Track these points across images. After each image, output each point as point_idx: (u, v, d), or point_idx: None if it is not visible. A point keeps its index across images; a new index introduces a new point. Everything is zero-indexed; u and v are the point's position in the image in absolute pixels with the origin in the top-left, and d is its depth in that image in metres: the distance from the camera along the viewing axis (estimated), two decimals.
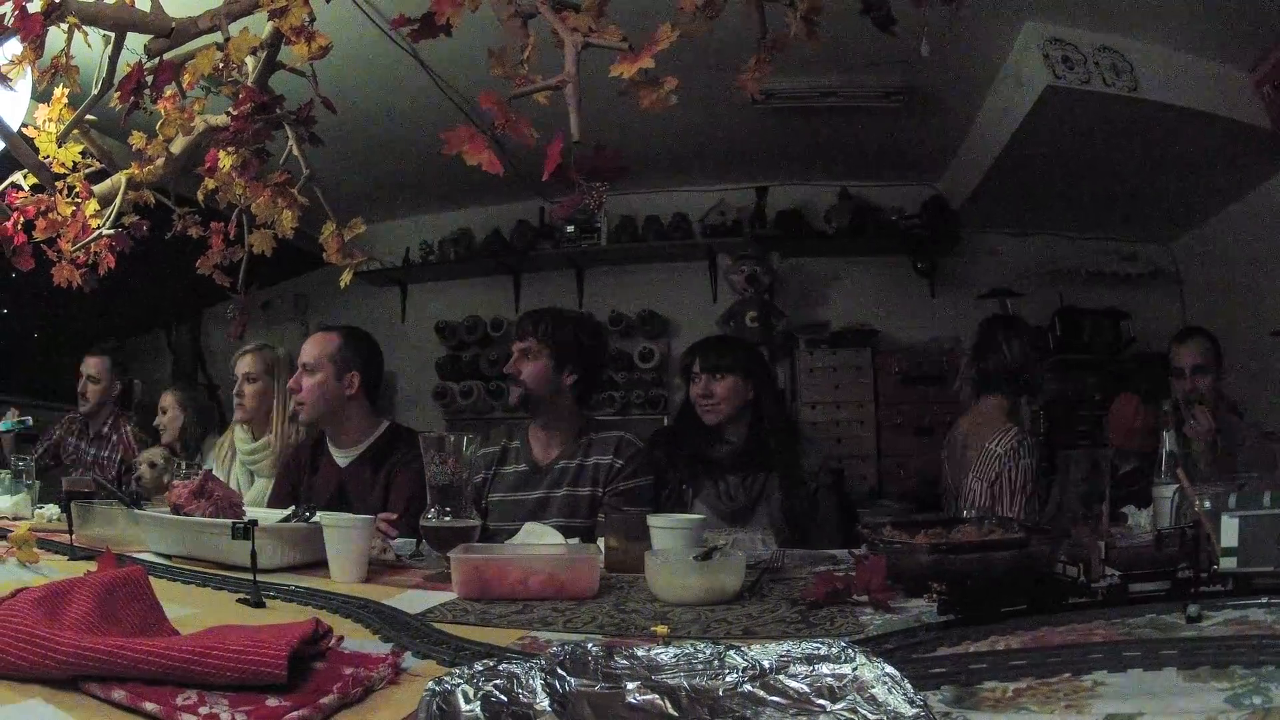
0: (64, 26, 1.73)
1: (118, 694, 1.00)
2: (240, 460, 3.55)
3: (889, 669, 0.90)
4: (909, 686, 0.87)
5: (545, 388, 2.94)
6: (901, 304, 6.28)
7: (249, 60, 1.76)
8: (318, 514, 2.15)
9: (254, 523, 1.72)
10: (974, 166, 5.34)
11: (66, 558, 2.11)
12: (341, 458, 3.07)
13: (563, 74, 1.15)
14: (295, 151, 1.79)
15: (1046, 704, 0.98)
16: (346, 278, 1.87)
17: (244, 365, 3.58)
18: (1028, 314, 5.64)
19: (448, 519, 1.95)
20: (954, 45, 4.06)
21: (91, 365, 4.80)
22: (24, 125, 2.16)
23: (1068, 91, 4.10)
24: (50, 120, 2.14)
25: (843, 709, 0.87)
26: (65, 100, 2.12)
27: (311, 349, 3.05)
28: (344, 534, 1.93)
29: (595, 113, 1.16)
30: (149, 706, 0.97)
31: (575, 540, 2.26)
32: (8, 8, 1.67)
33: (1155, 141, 4.57)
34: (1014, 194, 5.47)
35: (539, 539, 2.25)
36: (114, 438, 4.72)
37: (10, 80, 1.86)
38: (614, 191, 1.17)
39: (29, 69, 1.86)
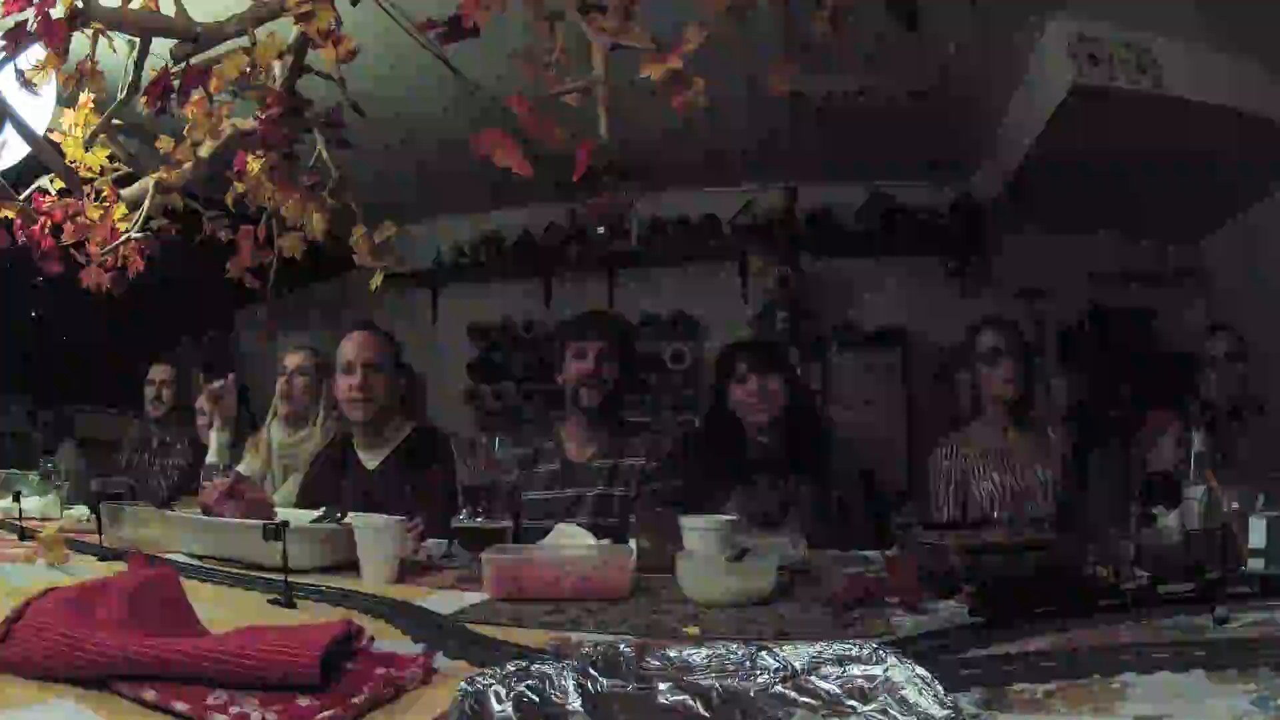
0: (88, 32, 1.74)
1: (148, 693, 1.00)
2: (276, 454, 3.56)
3: (920, 670, 0.90)
4: (940, 688, 0.87)
5: (618, 390, 2.98)
6: (931, 304, 6.22)
7: (276, 64, 1.77)
8: (349, 515, 2.15)
9: (285, 524, 1.73)
10: (1002, 165, 5.31)
11: (96, 558, 2.12)
12: (370, 459, 3.07)
13: (591, 75, 1.15)
14: (324, 155, 1.79)
15: (1076, 706, 0.98)
16: (377, 280, 1.86)
17: (291, 360, 3.61)
18: (1057, 314, 5.64)
19: (480, 519, 1.95)
20: (980, 43, 4.04)
21: (161, 372, 4.84)
22: (49, 130, 2.17)
23: (1093, 89, 4.07)
24: (76, 125, 2.15)
25: (874, 710, 0.87)
26: (91, 105, 2.13)
27: (371, 348, 3.05)
28: (376, 535, 1.94)
29: (624, 114, 1.16)
30: (179, 706, 0.97)
31: (606, 541, 2.26)
32: (30, 13, 1.68)
33: (1180, 138, 4.53)
34: (1042, 193, 5.43)
35: (571, 540, 2.26)
36: (178, 446, 4.74)
37: (35, 86, 1.86)
38: (644, 193, 1.17)
39: (53, 74, 1.87)
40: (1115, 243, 5.98)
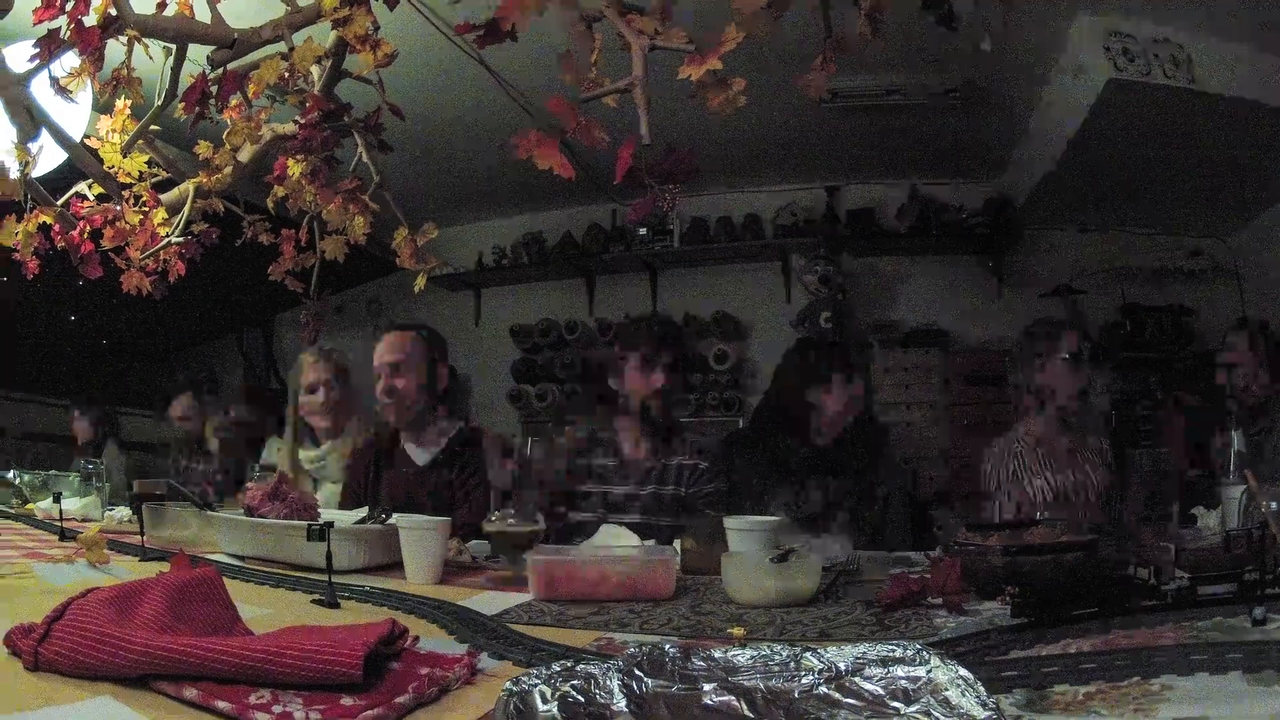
0: (123, 39, 1.75)
1: (189, 692, 1.00)
2: (305, 466, 3.57)
3: (963, 671, 0.89)
4: (982, 689, 0.87)
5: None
6: (970, 303, 6.20)
7: (314, 69, 1.78)
8: (394, 516, 2.16)
9: (330, 524, 1.73)
10: (1037, 162, 5.28)
11: (137, 559, 2.14)
12: (420, 456, 3.08)
13: (631, 77, 1.15)
14: (365, 158, 1.80)
15: (1115, 707, 0.97)
16: (420, 282, 1.87)
17: (309, 374, 3.58)
18: (1091, 312, 5.59)
19: (512, 522, 1.95)
20: (1013, 40, 4.02)
21: (178, 408, 4.92)
22: (86, 136, 2.19)
23: (1129, 84, 4.04)
24: (114, 131, 2.17)
25: (916, 711, 0.86)
26: (128, 111, 2.15)
27: (397, 349, 3.05)
28: (420, 535, 1.94)
29: (664, 115, 1.16)
30: (221, 705, 0.97)
31: (651, 541, 2.26)
32: (63, 21, 1.69)
33: (1213, 134, 4.49)
34: (1077, 190, 5.40)
35: (615, 541, 2.26)
36: None
37: (70, 93, 1.88)
38: (685, 193, 1.17)
39: (89, 81, 1.89)
40: (1149, 239, 5.93)
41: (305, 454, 3.57)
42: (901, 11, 1.47)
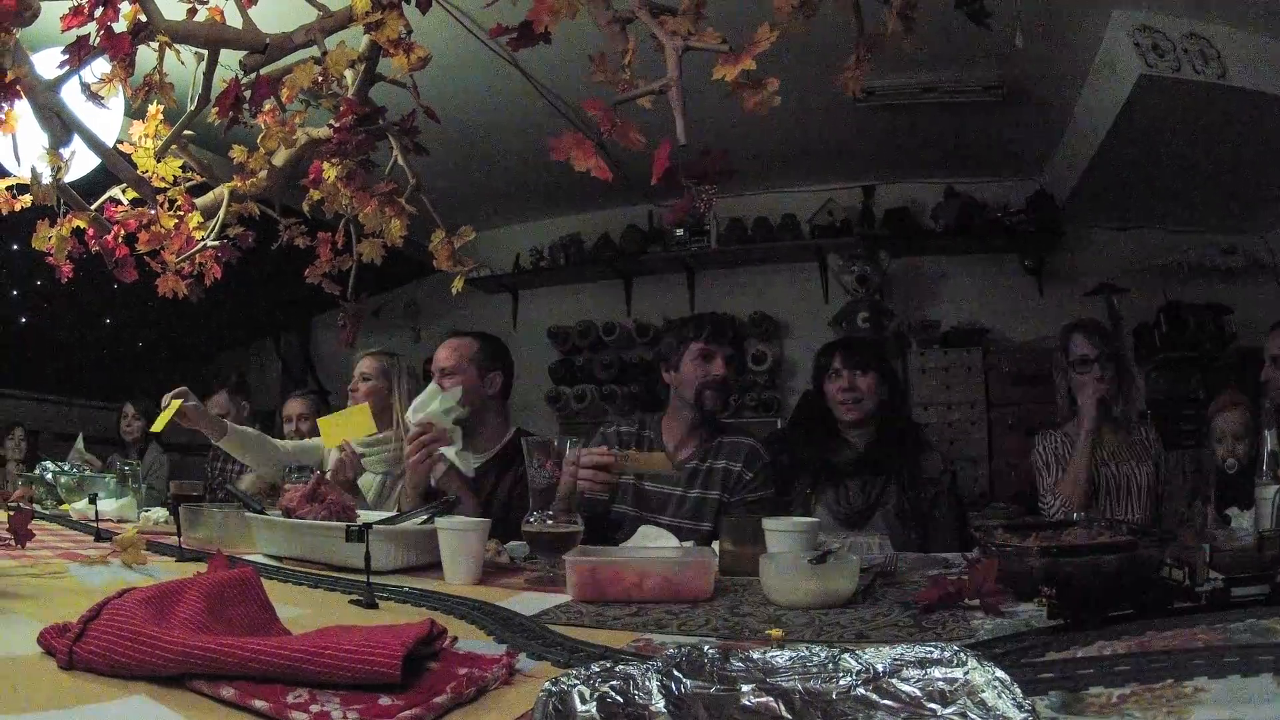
0: (154, 45, 1.77)
1: (226, 691, 1.00)
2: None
3: (999, 673, 0.89)
4: (1018, 691, 0.86)
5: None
6: (1010, 302, 6.18)
7: (347, 73, 1.79)
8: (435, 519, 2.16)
9: (369, 526, 1.74)
10: (1075, 159, 5.26)
11: (174, 559, 2.16)
12: (470, 461, 3.08)
13: (665, 78, 1.15)
14: (400, 161, 1.81)
15: (1149, 710, 0.96)
16: (458, 284, 1.88)
17: (362, 365, 3.65)
18: (1132, 310, 5.55)
19: (549, 524, 1.95)
20: (1047, 36, 4.00)
21: (213, 406, 4.98)
22: (119, 141, 2.20)
23: (1160, 80, 4.02)
24: (146, 136, 2.19)
25: (953, 713, 0.86)
26: (160, 116, 2.17)
27: (449, 353, 3.08)
28: (460, 536, 1.94)
29: (699, 115, 1.16)
30: (258, 704, 0.97)
31: (690, 543, 2.26)
32: (91, 27, 1.70)
33: (1244, 129, 4.45)
34: (1115, 187, 5.37)
35: (653, 542, 2.26)
36: None
37: (102, 99, 1.90)
38: (722, 194, 1.17)
39: (120, 87, 1.90)
40: (1187, 237, 5.88)
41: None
42: (935, 9, 1.47)
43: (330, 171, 1.84)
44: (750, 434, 3.09)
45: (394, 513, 2.33)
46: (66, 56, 1.74)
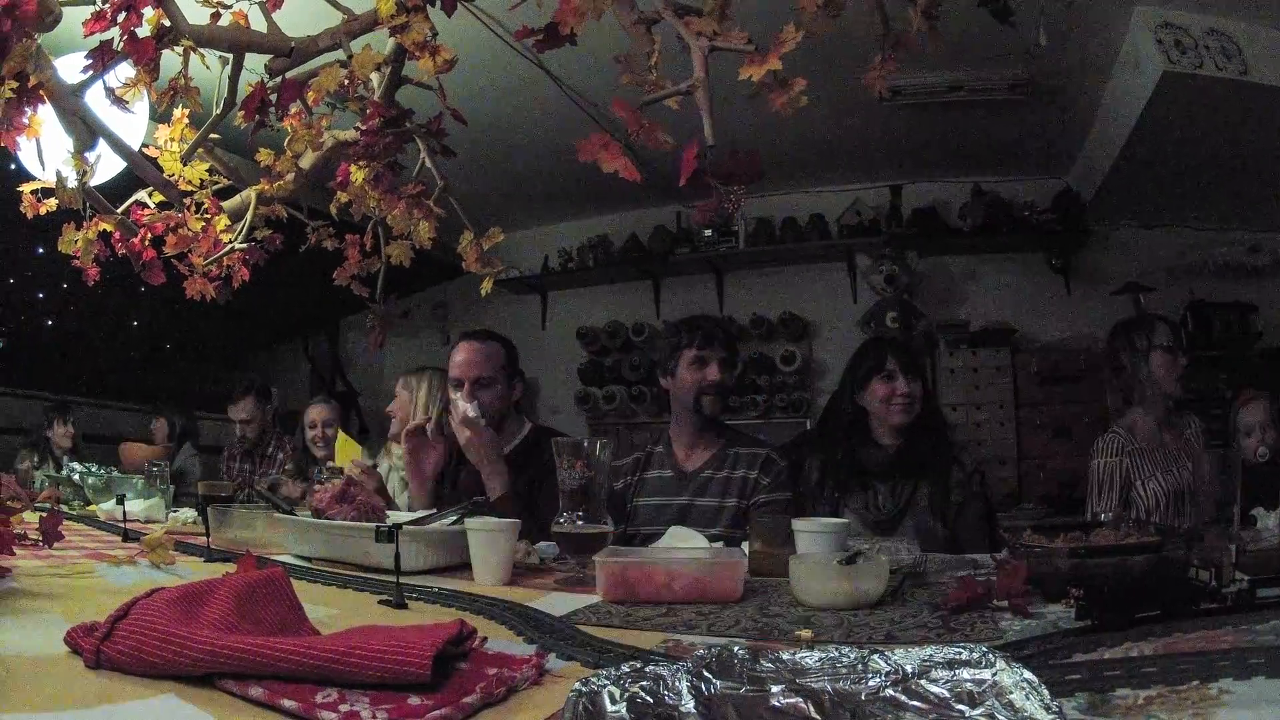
0: (178, 49, 1.78)
1: (255, 691, 1.00)
2: (394, 468, 3.75)
3: (1027, 674, 0.88)
4: (1046, 693, 0.86)
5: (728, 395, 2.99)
6: (1038, 301, 6.16)
7: (374, 76, 1.79)
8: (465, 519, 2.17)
9: (398, 526, 1.75)
10: (1101, 157, 5.24)
11: (202, 559, 2.17)
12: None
13: (692, 79, 1.15)
14: (428, 163, 1.82)
15: (1174, 712, 0.96)
16: (487, 286, 1.89)
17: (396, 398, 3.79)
18: (1158, 309, 5.52)
19: (580, 524, 1.95)
20: (1070, 33, 3.99)
21: (240, 410, 5.06)
22: (144, 145, 2.22)
23: (1183, 77, 4.00)
24: (172, 140, 2.20)
25: (981, 714, 0.85)
26: (186, 120, 2.18)
27: (483, 363, 3.02)
28: (489, 537, 1.94)
29: (726, 115, 1.16)
30: (287, 704, 0.97)
31: (720, 544, 2.26)
32: (115, 32, 1.71)
33: (1266, 126, 4.42)
34: (1140, 185, 5.35)
35: (684, 543, 2.26)
36: (279, 456, 4.96)
37: (127, 103, 1.90)
38: (750, 194, 1.16)
39: (145, 91, 1.91)
40: (1213, 235, 5.84)
41: (396, 454, 3.77)
42: (960, 7, 1.47)
43: (358, 174, 1.85)
44: (762, 442, 3.10)
45: (424, 513, 2.34)
46: (90, 61, 1.75)
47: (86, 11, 1.71)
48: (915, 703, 0.89)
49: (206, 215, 2.20)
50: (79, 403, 6.11)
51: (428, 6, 1.63)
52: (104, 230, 2.20)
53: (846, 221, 6.40)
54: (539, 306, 7.30)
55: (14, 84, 1.67)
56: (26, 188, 2.15)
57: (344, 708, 0.96)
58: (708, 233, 6.49)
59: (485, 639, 1.17)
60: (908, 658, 0.94)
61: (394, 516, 2.29)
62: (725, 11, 1.24)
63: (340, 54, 1.78)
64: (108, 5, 1.67)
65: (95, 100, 1.90)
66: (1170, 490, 3.12)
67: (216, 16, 1.86)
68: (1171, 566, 1.56)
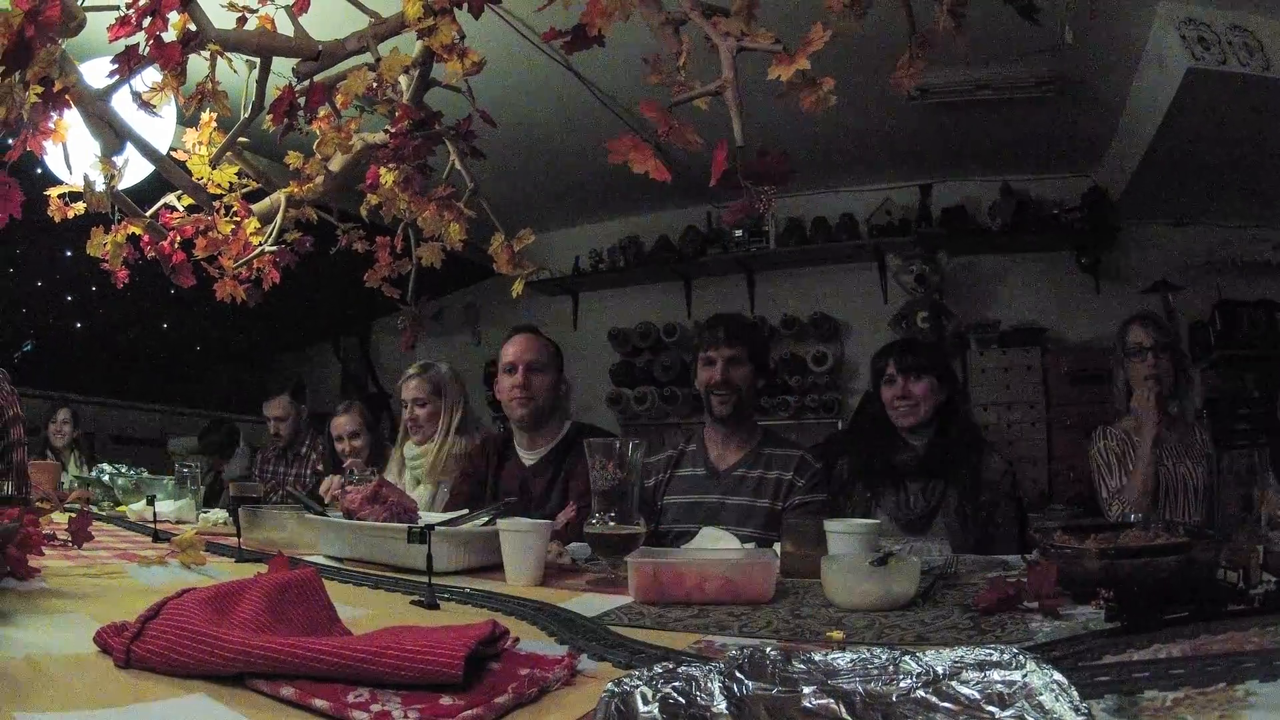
0: (205, 54, 1.78)
1: (286, 690, 1.01)
2: (408, 466, 3.73)
3: (1057, 676, 0.88)
4: (1075, 694, 0.85)
5: (750, 395, 3.00)
6: (1067, 300, 6.12)
7: (402, 79, 1.80)
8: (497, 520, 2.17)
9: (430, 527, 1.75)
10: (1128, 155, 5.20)
11: (233, 560, 2.18)
12: (529, 457, 3.12)
13: (721, 79, 1.15)
14: (458, 165, 1.82)
15: (1202, 714, 0.95)
16: (518, 287, 1.89)
17: (412, 390, 3.76)
18: (1187, 307, 5.48)
19: (611, 524, 1.95)
20: (1096, 30, 3.97)
21: (275, 408, 5.11)
22: (172, 149, 2.23)
23: (1207, 73, 3.97)
24: (200, 144, 2.21)
25: (1011, 715, 0.85)
26: (214, 124, 2.20)
27: (537, 350, 3.11)
28: (522, 538, 1.95)
29: (755, 115, 1.16)
30: (319, 703, 0.97)
31: (751, 545, 2.25)
32: (140, 37, 1.71)
33: None
34: (1168, 182, 5.31)
35: (715, 543, 2.26)
36: (312, 456, 5.01)
37: (154, 107, 1.91)
38: (780, 194, 1.16)
39: (172, 96, 1.92)
40: (1240, 232, 5.78)
41: (408, 452, 3.75)
42: (986, 5, 1.46)
43: (387, 176, 1.85)
44: (796, 443, 3.11)
45: (456, 514, 2.34)
46: (115, 66, 1.76)
47: (110, 16, 1.72)
48: (946, 704, 0.89)
49: (236, 218, 2.21)
50: (107, 404, 6.18)
51: (455, 9, 1.63)
52: (133, 233, 2.21)
53: (877, 221, 6.38)
54: (570, 307, 7.30)
55: (39, 89, 1.67)
56: (54, 192, 2.17)
57: (375, 707, 0.96)
58: (738, 233, 6.47)
59: (517, 639, 1.17)
60: (939, 659, 0.94)
61: (426, 517, 2.31)
62: (752, 12, 1.24)
63: (368, 57, 1.78)
64: (132, 11, 1.68)
65: (122, 104, 1.91)
66: (1163, 481, 3.11)
67: (243, 21, 1.87)
68: (1200, 568, 1.55)
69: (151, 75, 1.86)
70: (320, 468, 4.75)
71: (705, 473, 3.00)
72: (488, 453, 3.23)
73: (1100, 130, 5.32)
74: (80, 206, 2.12)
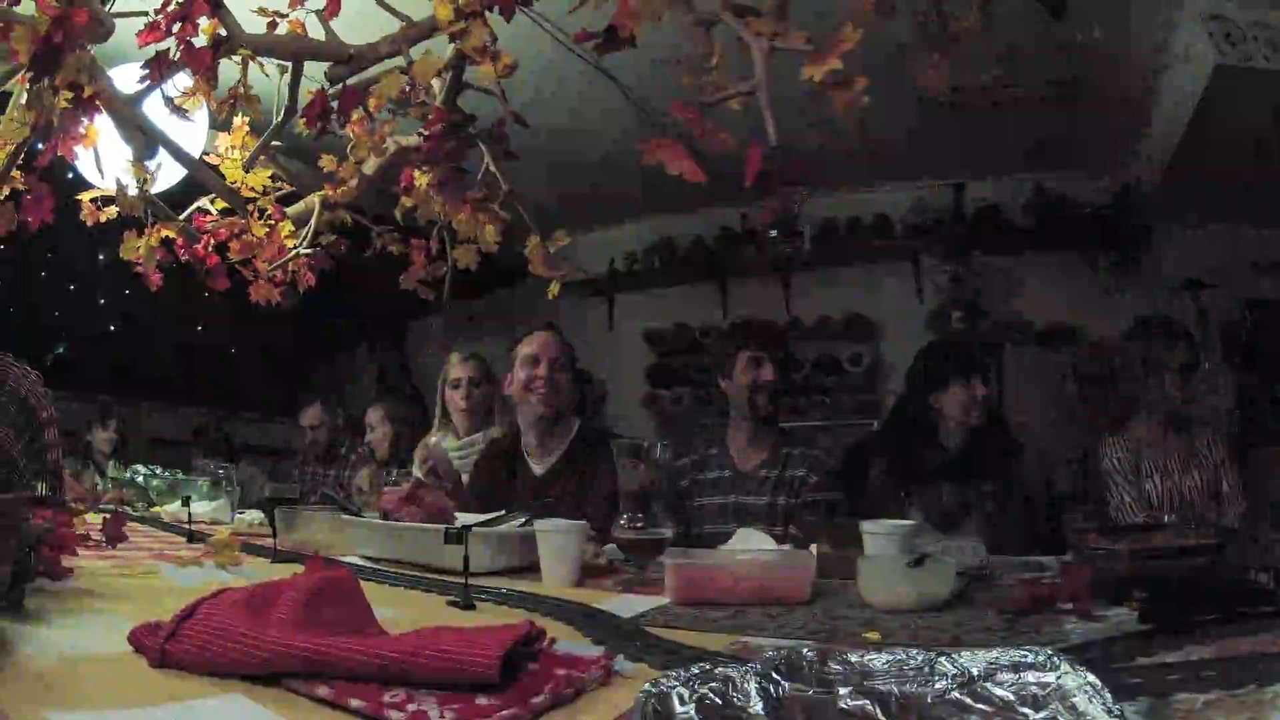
0: (236, 59, 1.80)
1: (321, 690, 1.01)
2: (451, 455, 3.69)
3: (1091, 678, 0.88)
4: (1108, 696, 0.85)
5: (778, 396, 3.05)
6: (1099, 300, 6.05)
7: (435, 82, 1.81)
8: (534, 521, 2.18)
9: (468, 528, 1.76)
10: (1158, 153, 5.16)
11: (269, 560, 2.19)
12: (539, 466, 3.12)
13: (753, 80, 1.15)
14: (492, 168, 1.83)
15: (1232, 716, 0.95)
16: (554, 289, 1.90)
17: (465, 370, 3.77)
18: (1219, 307, 5.42)
19: (639, 526, 1.95)
20: (1124, 27, 3.94)
21: (310, 417, 5.17)
22: (205, 153, 2.25)
23: (1234, 70, 3.94)
24: (233, 147, 2.23)
25: (1044, 717, 0.85)
26: (247, 128, 2.22)
27: (555, 347, 3.13)
28: (559, 539, 1.95)
29: (787, 116, 1.16)
30: (355, 703, 0.98)
31: (787, 546, 2.26)
32: (170, 42, 1.72)
33: None
34: (1198, 181, 5.25)
35: (750, 543, 2.26)
36: (351, 458, 5.06)
37: (186, 112, 1.92)
38: (814, 194, 1.16)
39: (204, 100, 1.93)
40: (1270, 231, 5.72)
41: (449, 443, 3.72)
42: (1014, 3, 1.45)
43: (421, 179, 1.86)
44: (816, 445, 3.17)
45: (493, 515, 2.35)
46: (146, 71, 1.76)
47: (140, 22, 1.73)
48: (980, 705, 0.89)
49: (270, 221, 2.23)
50: (143, 407, 6.23)
51: (486, 12, 1.64)
52: (166, 237, 2.23)
53: (910, 221, 6.35)
54: (605, 308, 7.31)
55: (69, 94, 1.69)
56: (86, 196, 2.18)
57: (411, 707, 0.97)
58: (773, 234, 6.45)
59: (554, 640, 1.17)
60: (974, 660, 0.94)
61: (462, 518, 2.32)
62: (784, 11, 1.24)
63: (400, 61, 1.79)
64: (161, 17, 1.69)
65: (153, 109, 1.93)
66: (1168, 492, 3.09)
67: (273, 25, 1.89)
68: (1231, 569, 1.55)
69: (183, 80, 1.87)
70: (362, 469, 4.79)
71: (730, 474, 3.04)
72: (503, 456, 3.24)
73: (1130, 128, 5.28)
74: (113, 210, 2.14)
